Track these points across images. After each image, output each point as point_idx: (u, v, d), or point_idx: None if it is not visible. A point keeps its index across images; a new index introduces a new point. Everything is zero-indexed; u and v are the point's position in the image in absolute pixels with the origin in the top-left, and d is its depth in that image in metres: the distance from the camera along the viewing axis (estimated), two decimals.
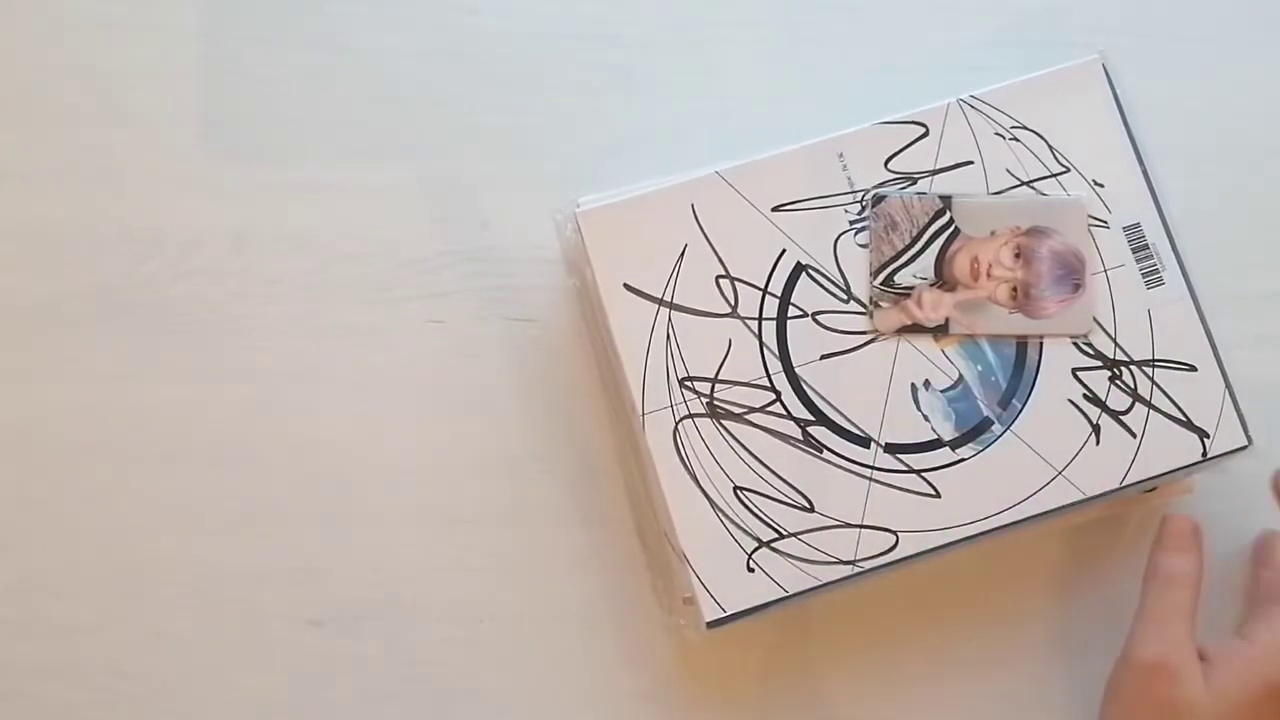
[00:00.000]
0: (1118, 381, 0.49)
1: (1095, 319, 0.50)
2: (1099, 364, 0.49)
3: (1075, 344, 0.50)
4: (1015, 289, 0.50)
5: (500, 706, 0.52)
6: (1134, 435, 0.49)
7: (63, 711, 0.52)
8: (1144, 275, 0.50)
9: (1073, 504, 0.49)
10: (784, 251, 0.50)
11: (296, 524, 0.53)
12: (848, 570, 0.48)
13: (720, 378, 0.49)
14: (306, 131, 0.55)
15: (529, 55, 0.56)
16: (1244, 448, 0.49)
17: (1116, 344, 0.50)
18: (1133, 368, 0.50)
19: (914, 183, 0.50)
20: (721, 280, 0.50)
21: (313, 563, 0.53)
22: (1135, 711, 0.46)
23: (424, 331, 0.54)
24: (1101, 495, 0.49)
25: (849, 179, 0.50)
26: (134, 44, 0.56)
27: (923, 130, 0.51)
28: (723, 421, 0.49)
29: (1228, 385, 0.49)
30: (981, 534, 0.48)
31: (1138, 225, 0.50)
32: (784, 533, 0.48)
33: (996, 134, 0.51)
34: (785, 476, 0.48)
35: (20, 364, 0.54)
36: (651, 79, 0.56)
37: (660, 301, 0.49)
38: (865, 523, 0.48)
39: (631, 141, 0.55)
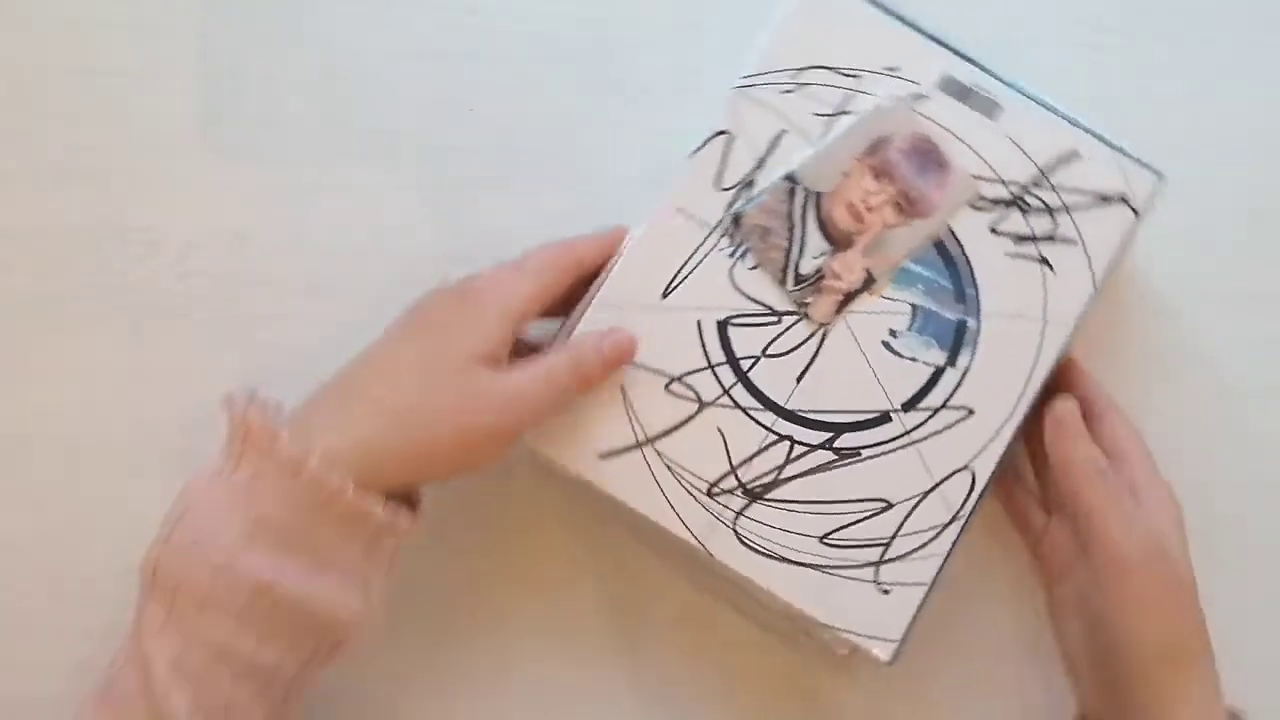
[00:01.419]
0: (1029, 212, 0.50)
1: (972, 176, 0.50)
2: (1004, 209, 0.50)
3: (974, 208, 0.50)
4: (897, 203, 0.50)
5: (501, 706, 0.52)
6: (1076, 241, 0.50)
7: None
8: (982, 112, 0.51)
9: (1069, 339, 0.50)
10: (699, 323, 0.49)
11: None
12: (955, 526, 0.49)
13: (737, 464, 0.49)
14: (306, 131, 0.55)
15: (529, 55, 0.56)
16: (1160, 180, 0.51)
17: (1003, 182, 0.50)
18: (1031, 190, 0.50)
19: (753, 185, 0.50)
20: (672, 386, 0.49)
21: None
22: (1155, 598, 0.46)
23: None
24: (1085, 310, 0.50)
25: (700, 221, 0.50)
26: (134, 44, 0.55)
27: (727, 136, 0.50)
28: (767, 497, 0.48)
29: (1112, 145, 0.51)
30: (1024, 413, 0.49)
31: (950, 78, 0.51)
32: (884, 541, 0.48)
33: (785, 93, 0.50)
34: (850, 498, 0.49)
35: (20, 364, 0.53)
36: (652, 79, 0.56)
37: (638, 445, 0.48)
38: (936, 480, 0.49)
39: (627, 144, 0.55)
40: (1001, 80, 0.51)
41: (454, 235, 0.55)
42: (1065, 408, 0.49)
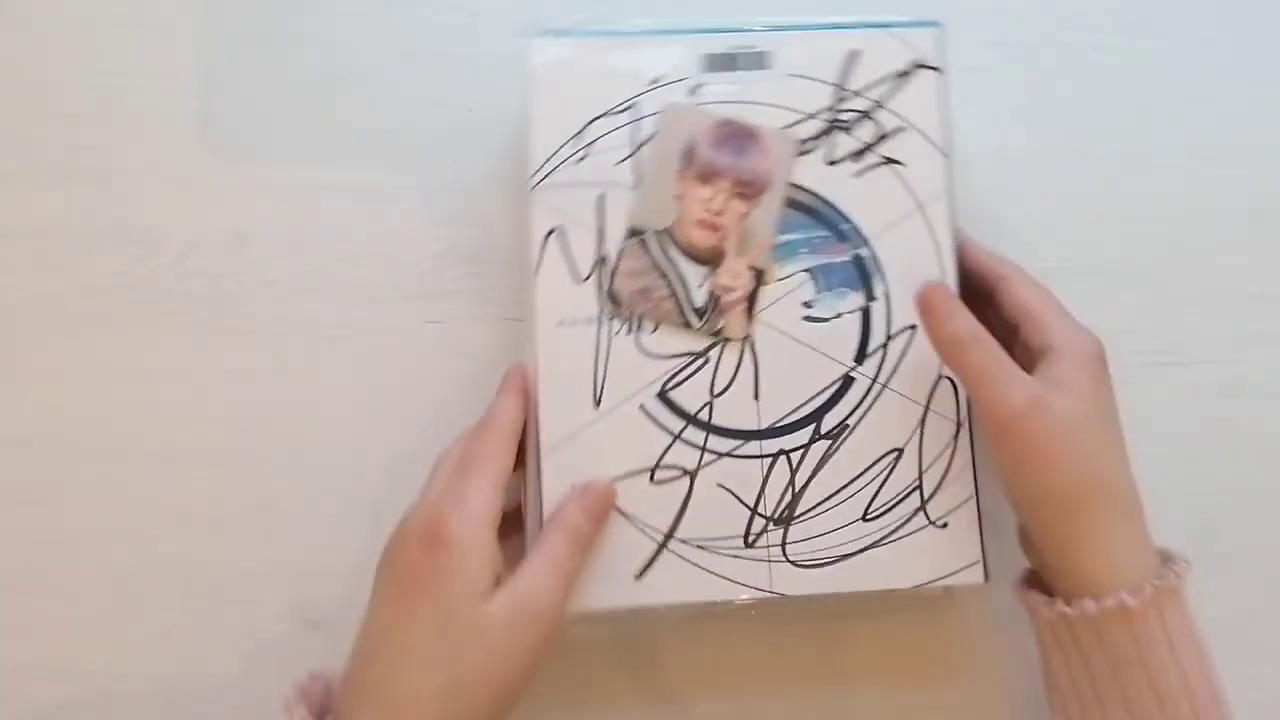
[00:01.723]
0: (849, 128, 0.50)
1: (786, 129, 0.50)
2: (827, 139, 0.50)
3: (803, 154, 0.50)
4: (738, 194, 0.50)
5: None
6: (903, 126, 0.50)
7: (62, 712, 0.52)
8: (755, 68, 0.50)
9: (951, 211, 0.50)
10: (642, 406, 0.49)
11: (296, 524, 0.53)
12: (964, 431, 0.49)
13: (754, 505, 0.48)
14: (305, 131, 0.56)
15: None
16: (938, 27, 0.51)
17: (812, 116, 0.50)
18: (839, 109, 0.50)
19: (606, 259, 0.49)
20: (656, 476, 0.48)
21: (312, 563, 0.53)
22: (1032, 453, 0.45)
23: (422, 332, 0.54)
24: (947, 177, 0.50)
25: (584, 321, 0.49)
26: (134, 44, 0.56)
27: (557, 231, 0.49)
28: (797, 515, 0.48)
29: (881, 25, 0.51)
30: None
31: (709, 56, 0.50)
32: (915, 484, 0.49)
33: (580, 162, 0.49)
34: (864, 467, 0.49)
35: (20, 364, 0.54)
36: None
37: (662, 547, 0.48)
38: (924, 404, 0.49)
39: None
40: (754, 30, 0.51)
41: (454, 235, 0.55)
42: (924, 293, 0.48)
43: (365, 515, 0.52)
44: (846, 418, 0.49)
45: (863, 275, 0.50)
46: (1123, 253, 0.56)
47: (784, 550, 0.48)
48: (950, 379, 0.49)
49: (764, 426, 0.49)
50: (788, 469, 0.49)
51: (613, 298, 0.49)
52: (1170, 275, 0.56)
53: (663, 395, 0.49)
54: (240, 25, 0.56)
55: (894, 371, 0.49)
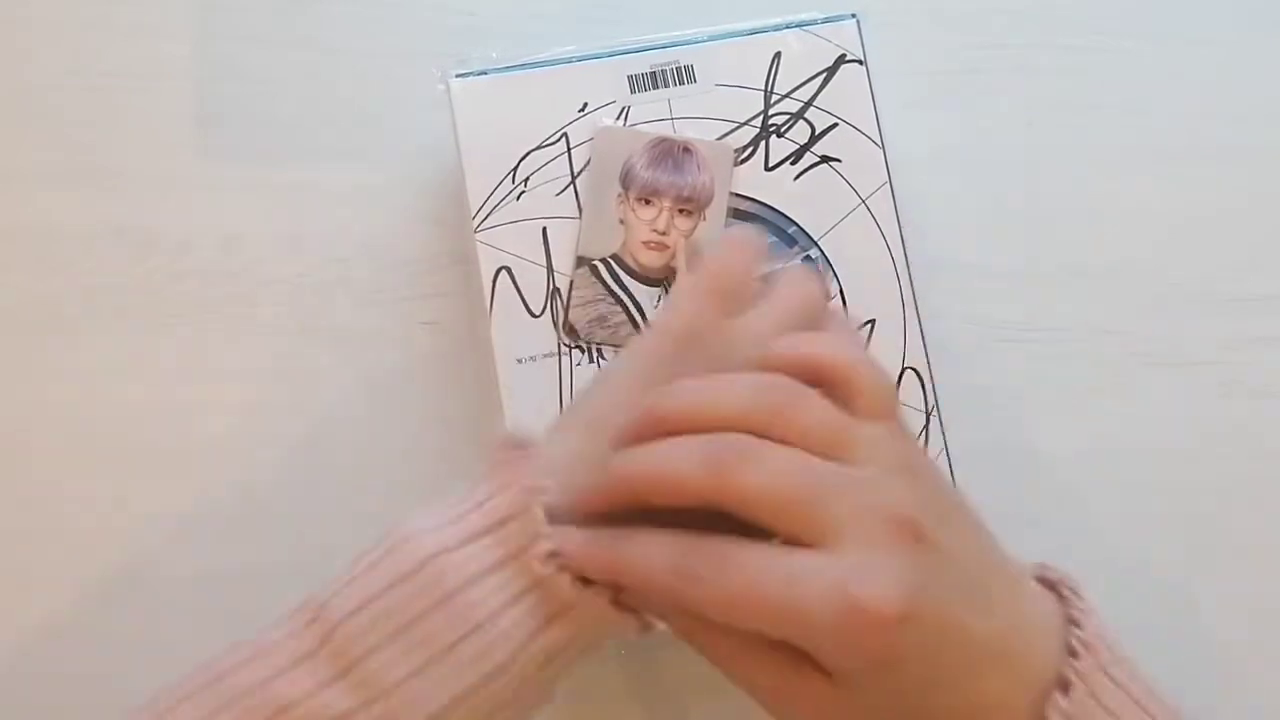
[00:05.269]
0: (783, 131, 0.50)
1: (720, 140, 0.50)
2: (762, 144, 0.50)
3: (740, 163, 0.50)
4: (680, 210, 0.50)
5: None
6: (835, 122, 0.50)
7: (60, 713, 0.52)
8: (681, 82, 0.50)
9: (893, 198, 0.50)
10: None
11: (293, 524, 0.53)
12: (934, 420, 0.49)
13: None
14: (302, 132, 0.55)
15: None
16: (855, 18, 0.51)
17: (744, 124, 0.50)
18: (769, 113, 0.50)
19: (559, 291, 0.49)
20: None
21: (311, 563, 0.51)
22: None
23: (418, 333, 0.54)
24: (885, 163, 0.50)
25: (543, 356, 0.49)
26: (131, 44, 0.56)
27: (504, 271, 0.49)
28: None
29: (800, 25, 0.51)
30: (909, 282, 0.50)
31: (632, 76, 0.50)
32: None
33: (519, 198, 0.49)
34: None
35: (19, 364, 0.54)
36: None
37: None
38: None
39: None
40: (674, 45, 0.50)
41: (450, 236, 0.54)
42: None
43: (363, 516, 0.51)
44: None
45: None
46: (1122, 253, 0.55)
47: None
48: (915, 370, 0.49)
49: None
50: None
51: (569, 329, 0.49)
52: (1170, 275, 0.55)
53: None
54: (236, 25, 0.56)
55: None
